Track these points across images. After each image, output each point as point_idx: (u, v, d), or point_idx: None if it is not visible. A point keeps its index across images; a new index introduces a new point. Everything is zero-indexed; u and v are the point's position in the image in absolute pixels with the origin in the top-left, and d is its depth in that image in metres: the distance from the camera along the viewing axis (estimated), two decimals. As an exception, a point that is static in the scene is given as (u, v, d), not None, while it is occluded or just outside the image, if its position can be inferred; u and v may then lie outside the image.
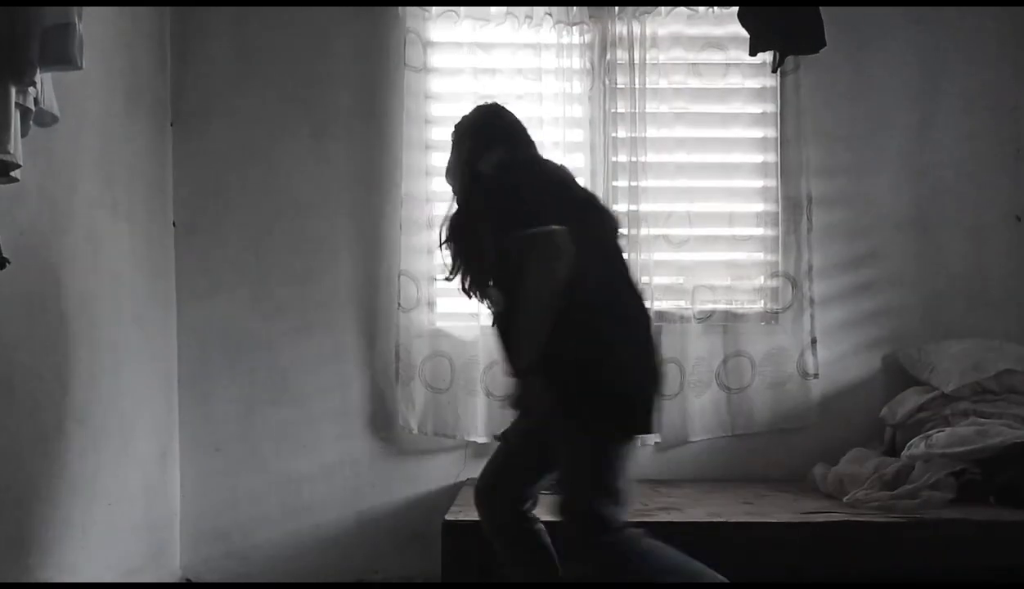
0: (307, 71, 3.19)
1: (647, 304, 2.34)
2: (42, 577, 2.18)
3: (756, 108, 3.22)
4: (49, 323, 2.30)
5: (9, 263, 1.84)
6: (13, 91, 1.76)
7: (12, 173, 1.86)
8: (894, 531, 2.55)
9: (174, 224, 3.17)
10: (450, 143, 2.29)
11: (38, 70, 1.77)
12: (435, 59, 3.18)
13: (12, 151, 1.76)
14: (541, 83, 3.13)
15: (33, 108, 1.86)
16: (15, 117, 1.78)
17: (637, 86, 3.12)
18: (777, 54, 2.83)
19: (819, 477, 2.98)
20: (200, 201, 3.18)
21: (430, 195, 3.16)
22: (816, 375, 3.16)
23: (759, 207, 3.22)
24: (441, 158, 3.16)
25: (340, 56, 3.19)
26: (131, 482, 2.79)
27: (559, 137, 3.14)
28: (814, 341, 3.15)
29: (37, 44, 1.70)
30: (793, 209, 3.16)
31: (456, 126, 2.29)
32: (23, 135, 1.85)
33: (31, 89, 1.83)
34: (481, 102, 2.35)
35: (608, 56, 3.13)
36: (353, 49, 3.19)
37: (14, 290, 2.09)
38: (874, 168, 3.24)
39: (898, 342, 3.20)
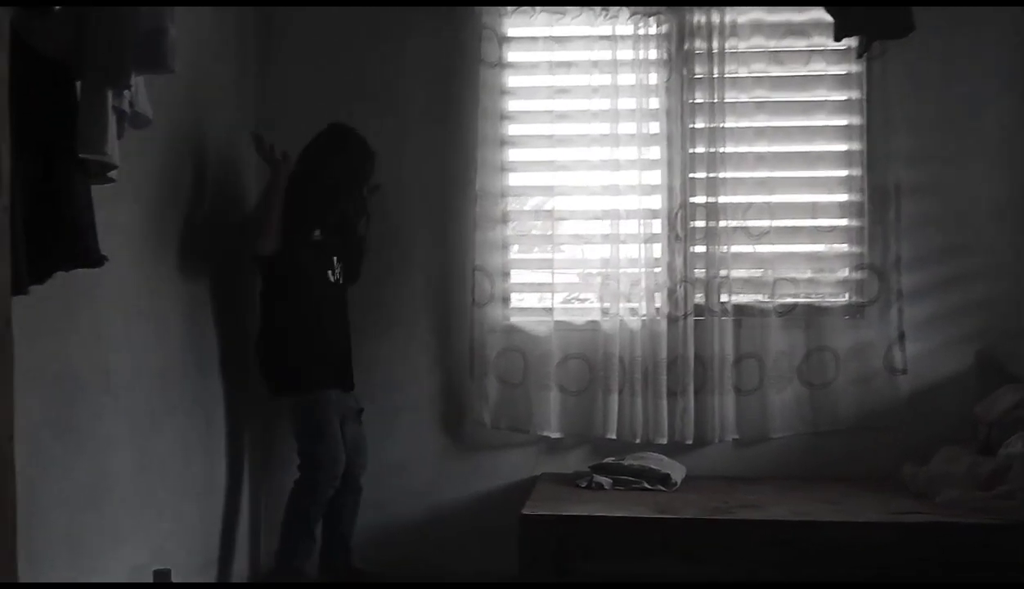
0: (385, 71, 3.24)
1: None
2: (138, 564, 2.27)
3: (841, 95, 3.13)
4: (143, 321, 2.39)
5: (107, 260, 1.91)
6: (110, 95, 1.83)
7: (109, 174, 1.94)
8: (991, 533, 2.45)
9: (259, 223, 3.25)
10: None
11: (133, 74, 1.83)
12: (511, 54, 3.19)
13: (109, 153, 1.83)
14: (617, 76, 3.11)
15: (128, 111, 1.93)
16: (112, 120, 1.85)
17: (716, 75, 3.07)
18: (864, 39, 2.73)
19: (909, 476, 2.88)
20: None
21: (504, 190, 3.18)
22: (904, 371, 3.06)
23: (843, 197, 3.13)
24: (516, 154, 3.20)
25: (417, 55, 3.23)
26: (216, 475, 2.89)
27: (635, 129, 3.11)
28: (902, 335, 3.05)
29: (133, 48, 1.76)
30: (880, 198, 3.06)
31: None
32: (119, 137, 1.92)
33: (126, 93, 1.90)
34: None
35: (686, 46, 3.08)
36: (429, 47, 3.23)
37: (113, 290, 2.18)
38: (967, 155, 3.11)
39: (992, 336, 3.07)
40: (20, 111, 0.97)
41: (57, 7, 0.95)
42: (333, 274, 2.91)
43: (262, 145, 2.82)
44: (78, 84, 1.80)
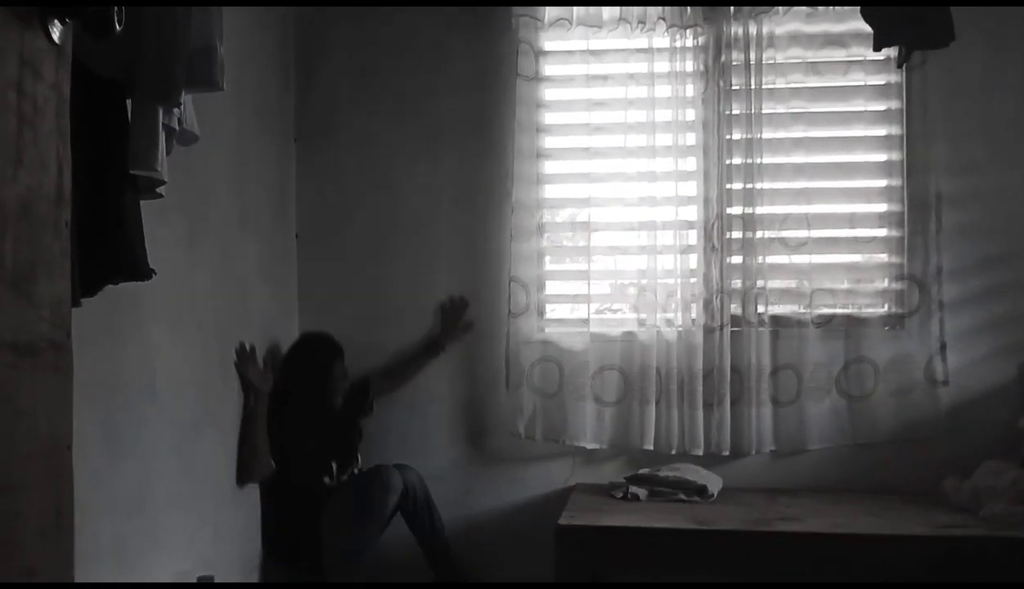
0: (422, 84, 3.28)
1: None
2: (181, 570, 2.31)
3: (879, 105, 3.10)
4: (186, 332, 2.44)
5: (155, 274, 1.96)
6: (160, 113, 1.88)
7: (158, 189, 1.99)
8: (1037, 549, 2.40)
9: (296, 236, 3.31)
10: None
11: (184, 92, 1.88)
12: (547, 68, 3.21)
13: (160, 169, 1.88)
14: (653, 88, 3.11)
15: (177, 128, 1.98)
16: (161, 137, 1.90)
17: (753, 87, 3.06)
18: (903, 49, 2.71)
19: (951, 490, 2.83)
20: (321, 213, 3.31)
21: (540, 202, 3.19)
22: (946, 382, 3.01)
23: (882, 207, 3.10)
24: (552, 166, 3.22)
25: (454, 68, 3.27)
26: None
27: (671, 141, 3.11)
28: (943, 347, 3.00)
29: (184, 67, 1.81)
30: (920, 209, 3.02)
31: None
32: (167, 153, 1.97)
33: (176, 110, 1.95)
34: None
35: (723, 58, 3.08)
36: (467, 61, 3.26)
37: (156, 301, 2.23)
38: (1008, 164, 3.06)
39: (1036, 348, 3.00)
40: (73, 128, 1.02)
41: (118, 30, 0.98)
42: (331, 479, 2.92)
43: (243, 362, 2.76)
44: (129, 102, 1.85)
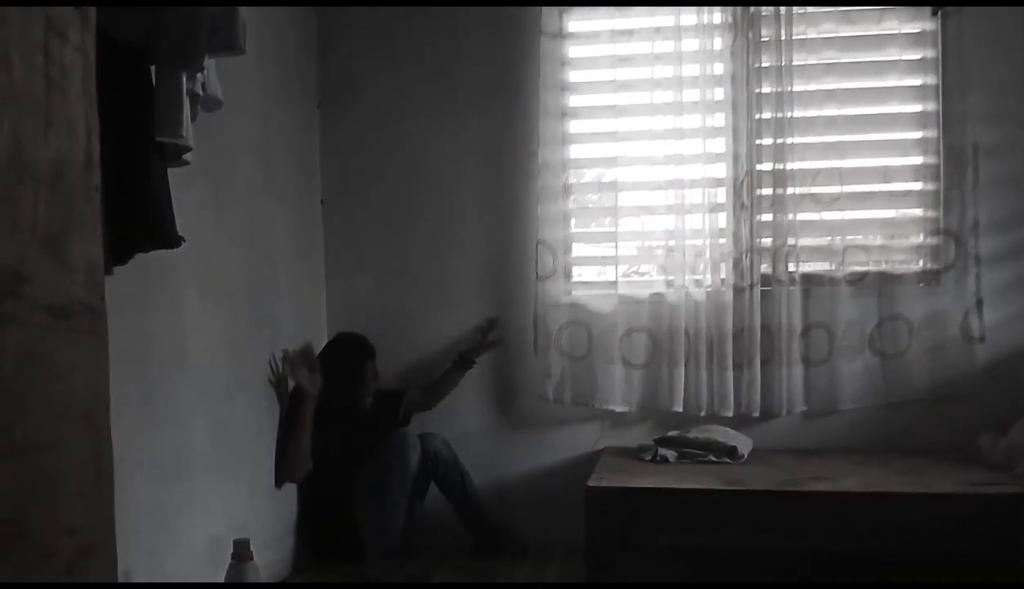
0: (444, 45, 3.24)
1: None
2: (216, 534, 2.34)
3: (914, 54, 3.01)
4: (215, 299, 2.45)
5: (185, 241, 1.96)
6: (184, 78, 1.86)
7: (184, 156, 1.98)
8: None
9: (322, 201, 3.30)
10: None
11: (207, 56, 1.86)
12: (571, 24, 3.15)
13: (185, 135, 1.88)
14: (680, 42, 3.04)
15: (201, 94, 1.97)
16: (186, 103, 1.89)
17: (783, 38, 2.98)
18: (939, -6, 2.62)
19: (987, 447, 2.79)
20: (345, 179, 3.30)
21: (567, 163, 3.15)
22: (982, 339, 2.95)
23: (918, 160, 3.02)
24: (578, 125, 3.17)
25: (476, 27, 3.21)
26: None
27: (699, 96, 3.05)
28: (980, 302, 2.94)
29: (207, 31, 1.80)
30: (957, 160, 2.94)
31: None
32: (192, 120, 1.96)
33: (199, 75, 1.93)
34: None
35: (751, 9, 3.00)
36: (489, 19, 3.20)
37: (186, 269, 2.24)
38: (1049, 113, 2.97)
39: (1076, 302, 2.94)
40: (98, 97, 1.01)
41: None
42: (361, 467, 2.93)
43: (293, 367, 2.82)
44: (152, 70, 1.84)
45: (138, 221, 1.77)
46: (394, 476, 2.87)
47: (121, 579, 1.38)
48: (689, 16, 3.04)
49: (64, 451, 0.84)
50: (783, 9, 2.97)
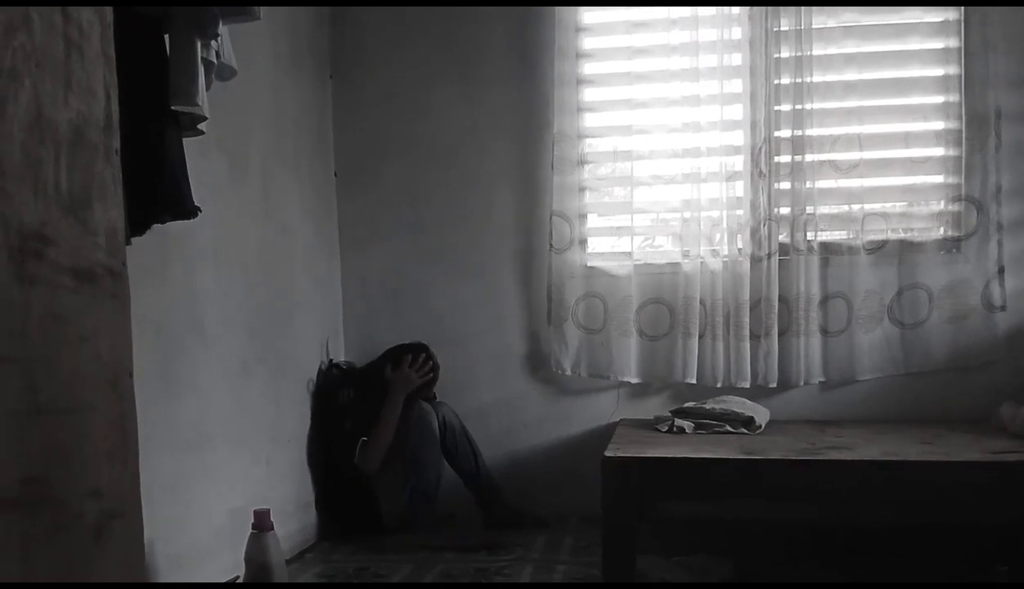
0: (457, 14, 3.20)
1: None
2: (235, 506, 2.35)
3: (936, 16, 2.95)
4: (231, 271, 2.44)
5: (201, 211, 1.95)
6: (199, 46, 1.84)
7: (199, 126, 1.96)
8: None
9: (335, 174, 3.28)
10: None
11: (221, 23, 1.84)
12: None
13: (200, 104, 1.86)
14: (697, 7, 2.99)
15: (215, 61, 1.95)
16: (200, 72, 1.87)
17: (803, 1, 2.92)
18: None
19: (1007, 417, 2.76)
20: (359, 151, 3.28)
21: (582, 131, 3.12)
22: (1003, 307, 2.92)
23: (939, 125, 2.97)
24: (593, 93, 3.13)
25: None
26: (307, 420, 2.96)
27: (716, 62, 3.00)
28: (1002, 270, 2.91)
29: (219, -2, 1.77)
30: (979, 125, 2.89)
31: None
32: (207, 89, 1.94)
33: (213, 43, 1.91)
34: None
35: (770, -27, 2.94)
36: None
37: (202, 240, 2.23)
38: (1074, 76, 2.91)
39: (1098, 270, 2.90)
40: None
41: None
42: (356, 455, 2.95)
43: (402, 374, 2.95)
44: (167, 38, 1.82)
45: (155, 191, 1.76)
46: (429, 447, 2.90)
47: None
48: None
49: (90, 414, 0.83)
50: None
